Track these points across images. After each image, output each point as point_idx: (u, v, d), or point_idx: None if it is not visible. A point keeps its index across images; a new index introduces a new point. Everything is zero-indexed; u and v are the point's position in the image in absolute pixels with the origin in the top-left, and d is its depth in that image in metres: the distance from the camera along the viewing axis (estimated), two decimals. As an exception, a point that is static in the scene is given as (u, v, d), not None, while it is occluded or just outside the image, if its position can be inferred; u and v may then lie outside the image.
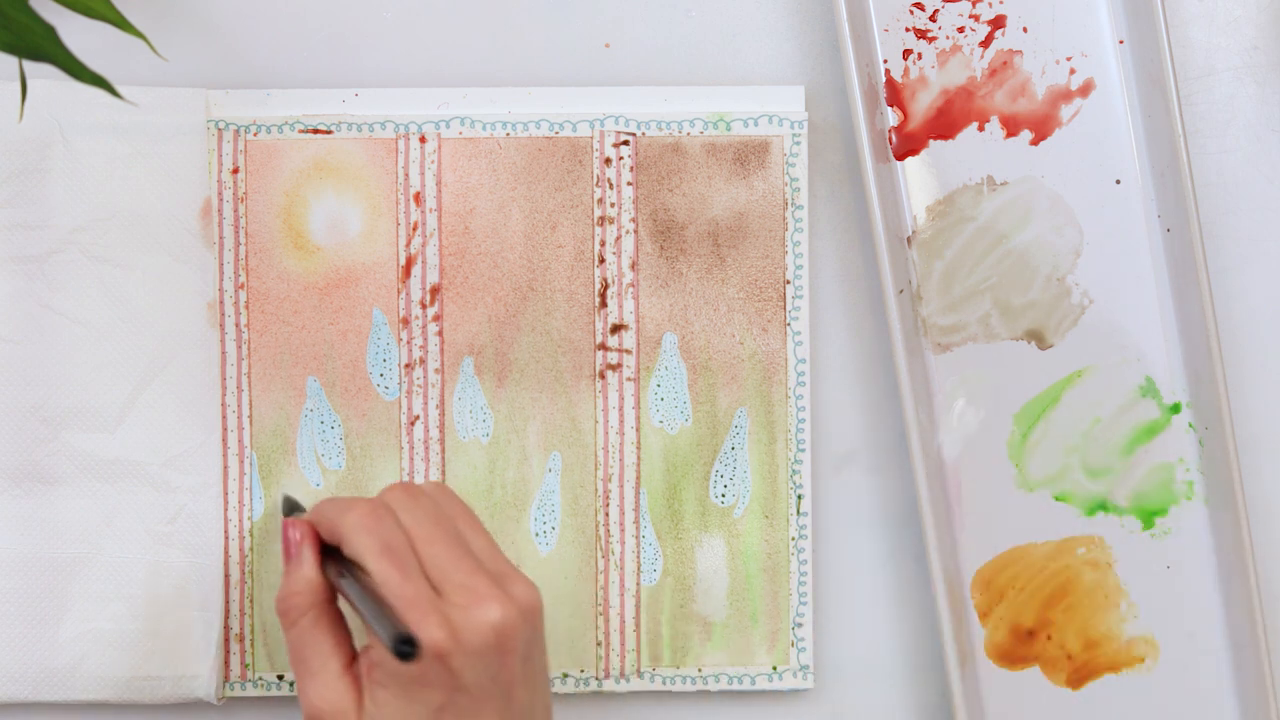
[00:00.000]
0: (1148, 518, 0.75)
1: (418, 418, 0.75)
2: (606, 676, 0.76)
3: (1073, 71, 0.75)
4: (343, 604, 0.67)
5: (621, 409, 0.75)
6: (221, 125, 0.74)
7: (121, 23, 0.68)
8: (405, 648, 0.59)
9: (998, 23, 0.75)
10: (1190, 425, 0.75)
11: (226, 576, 0.75)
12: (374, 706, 0.63)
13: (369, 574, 0.63)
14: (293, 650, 0.65)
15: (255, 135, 0.74)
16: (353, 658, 0.65)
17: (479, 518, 0.67)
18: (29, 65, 0.70)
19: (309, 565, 0.66)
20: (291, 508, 0.72)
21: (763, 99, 0.75)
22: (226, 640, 0.75)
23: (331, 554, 0.66)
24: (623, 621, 0.75)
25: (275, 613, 0.67)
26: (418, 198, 0.75)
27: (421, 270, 0.75)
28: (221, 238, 0.75)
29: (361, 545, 0.63)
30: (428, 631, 0.61)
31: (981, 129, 0.75)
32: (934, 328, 0.75)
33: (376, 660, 0.63)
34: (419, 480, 0.75)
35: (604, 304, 0.75)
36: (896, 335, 0.73)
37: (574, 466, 0.75)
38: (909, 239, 0.75)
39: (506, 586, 0.63)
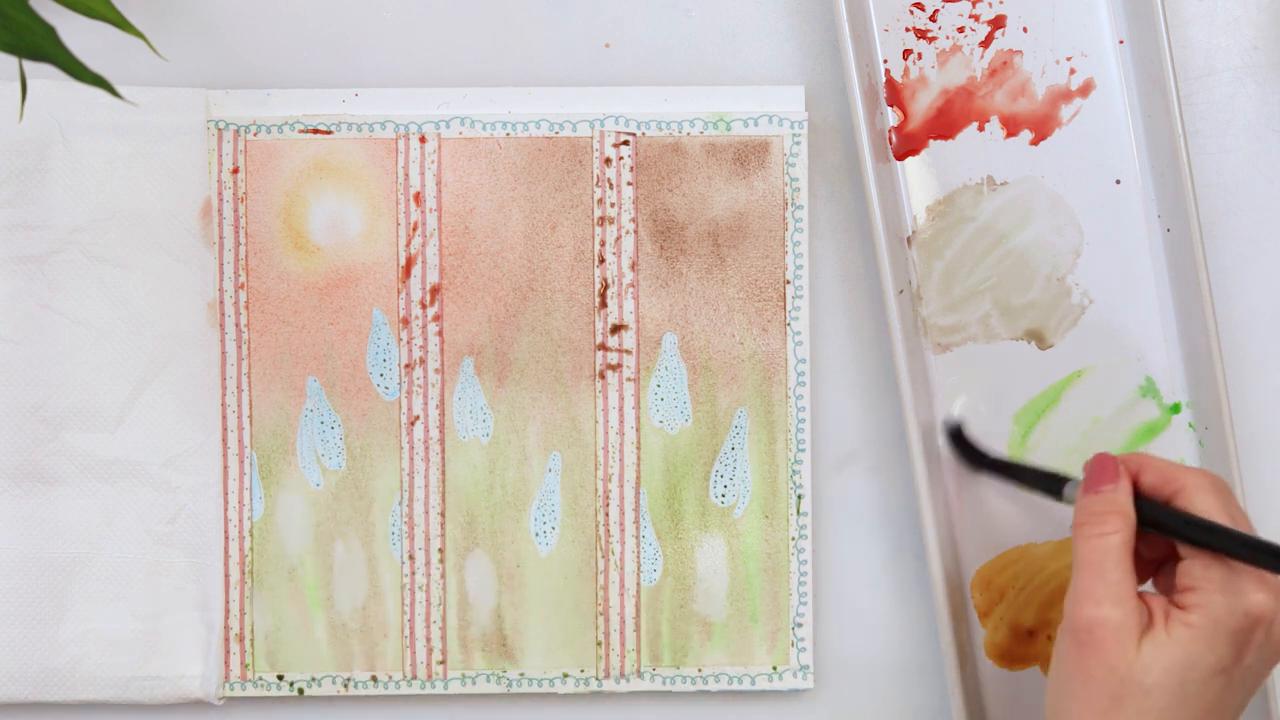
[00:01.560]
0: (1148, 518, 0.75)
1: (418, 418, 0.75)
2: (606, 676, 0.76)
3: (1073, 71, 0.75)
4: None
5: (621, 409, 0.75)
6: (221, 125, 0.74)
7: (121, 23, 0.68)
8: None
9: (998, 23, 0.75)
10: (1190, 425, 0.75)
11: (226, 576, 0.75)
12: (1167, 637, 0.63)
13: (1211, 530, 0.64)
14: (1089, 558, 0.65)
15: (255, 135, 0.74)
16: (1137, 589, 0.65)
17: None
18: (29, 65, 0.70)
19: (1125, 494, 0.66)
20: (957, 436, 0.74)
21: (763, 99, 0.75)
22: (226, 640, 0.75)
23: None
24: (623, 621, 0.75)
25: (1076, 519, 0.66)
26: (418, 198, 0.75)
27: (421, 270, 0.75)
28: (221, 238, 0.75)
29: (1208, 503, 0.64)
30: (1263, 595, 0.62)
31: (981, 129, 0.75)
32: (934, 328, 0.75)
33: (1198, 603, 0.63)
34: (419, 481, 0.75)
35: (604, 304, 0.75)
36: (896, 335, 0.73)
37: (574, 466, 0.75)
38: (909, 239, 0.75)
39: None
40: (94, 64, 0.66)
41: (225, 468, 0.75)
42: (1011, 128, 0.75)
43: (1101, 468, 0.67)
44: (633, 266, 0.75)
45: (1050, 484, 0.70)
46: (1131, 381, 0.75)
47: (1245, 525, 0.65)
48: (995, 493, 0.75)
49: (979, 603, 0.75)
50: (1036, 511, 0.75)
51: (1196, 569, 0.63)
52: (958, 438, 0.75)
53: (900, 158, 0.75)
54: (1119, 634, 0.63)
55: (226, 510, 0.75)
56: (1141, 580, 0.67)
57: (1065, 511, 0.75)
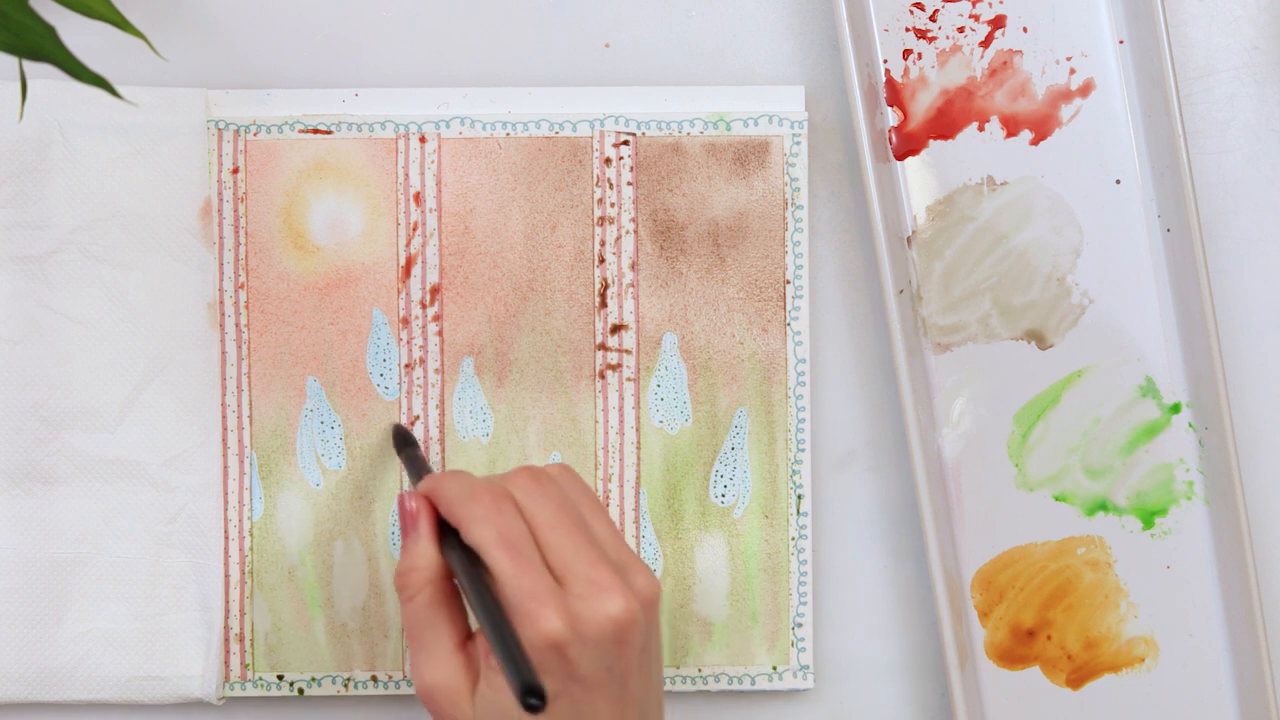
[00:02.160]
0: (1148, 518, 0.75)
1: (418, 418, 0.75)
2: (606, 676, 0.76)
3: (1073, 71, 0.75)
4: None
5: (621, 409, 0.75)
6: (221, 125, 0.74)
7: (121, 23, 0.68)
8: (532, 700, 0.58)
9: (998, 23, 0.75)
10: (1190, 425, 0.75)
11: (226, 576, 0.75)
12: (488, 689, 0.63)
13: (486, 565, 0.63)
14: (408, 625, 0.65)
15: (255, 135, 0.74)
16: (467, 635, 0.65)
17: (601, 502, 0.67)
18: (29, 65, 0.70)
19: (426, 541, 0.65)
20: (404, 441, 0.72)
21: (763, 99, 0.75)
22: (226, 640, 0.75)
23: (450, 532, 0.66)
24: (623, 621, 0.75)
25: (394, 586, 0.66)
26: (418, 198, 0.75)
27: (421, 270, 0.75)
28: (221, 238, 0.75)
29: (481, 535, 0.63)
30: (546, 623, 0.61)
31: (981, 129, 0.75)
32: (934, 328, 0.75)
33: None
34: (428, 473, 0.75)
35: (604, 304, 0.75)
36: (896, 335, 0.73)
37: (574, 466, 0.75)
38: (909, 239, 0.75)
39: (629, 577, 0.63)
40: (94, 64, 0.66)
41: (225, 468, 0.75)
42: (1011, 128, 0.75)
43: (401, 517, 0.66)
44: (633, 266, 0.75)
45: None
46: (1131, 381, 0.75)
47: (523, 541, 0.63)
48: (995, 491, 0.75)
49: (979, 603, 0.75)
50: (1036, 511, 0.75)
51: None
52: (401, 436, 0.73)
53: (900, 158, 0.75)
54: (451, 697, 0.63)
55: (226, 510, 0.75)
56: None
57: (1065, 511, 0.75)
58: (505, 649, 0.60)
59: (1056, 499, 0.75)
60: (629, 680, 0.63)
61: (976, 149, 0.75)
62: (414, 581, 0.65)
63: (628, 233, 0.75)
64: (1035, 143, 0.75)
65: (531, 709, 0.58)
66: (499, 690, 0.63)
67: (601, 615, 0.61)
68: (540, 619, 0.61)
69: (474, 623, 0.66)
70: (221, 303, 0.75)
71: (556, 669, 0.61)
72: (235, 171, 0.75)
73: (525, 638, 0.61)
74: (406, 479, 0.75)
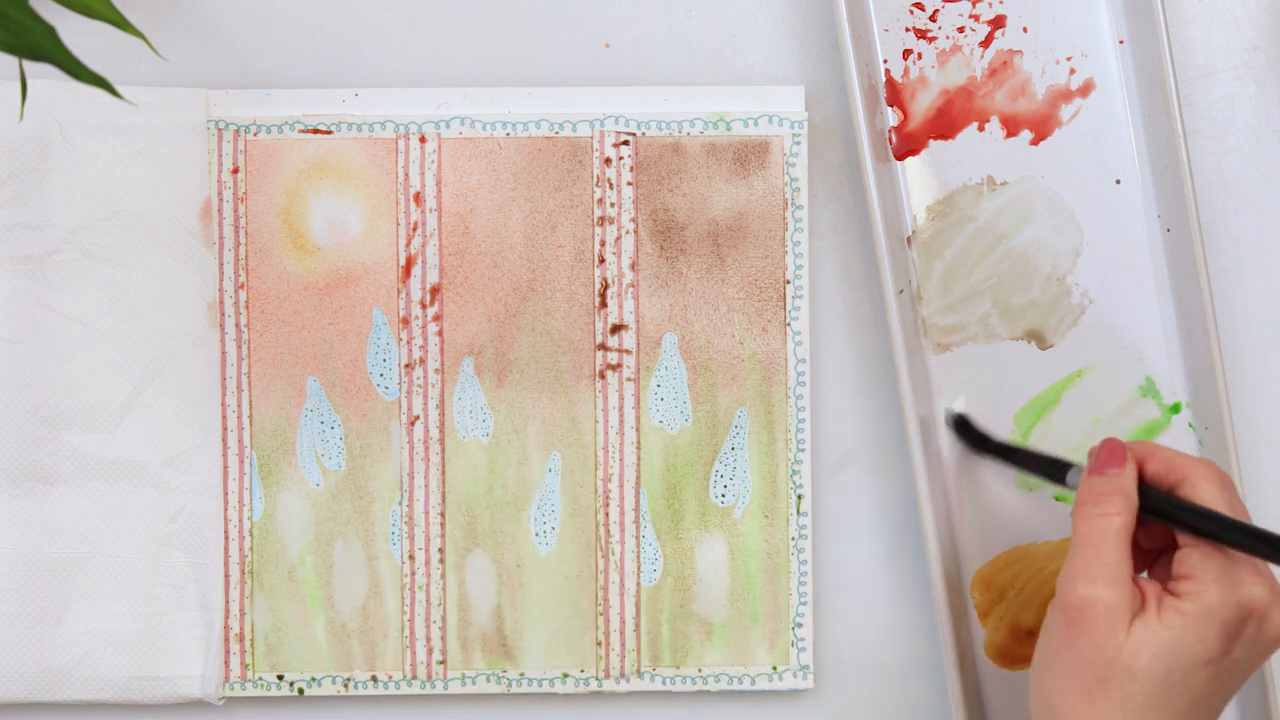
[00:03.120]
0: (1148, 518, 0.75)
1: (418, 418, 0.75)
2: (606, 676, 0.76)
3: (1073, 71, 0.75)
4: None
5: (621, 409, 0.75)
6: (221, 125, 0.74)
7: (121, 23, 0.68)
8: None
9: (998, 23, 0.75)
10: (1190, 425, 0.75)
11: (226, 576, 0.75)
12: (1158, 621, 0.63)
13: (1191, 526, 0.64)
14: (1090, 537, 0.64)
15: (255, 135, 0.75)
16: (1134, 572, 0.65)
17: None
18: (29, 65, 0.70)
19: (1131, 480, 0.66)
20: (961, 425, 0.74)
21: (763, 99, 0.75)
22: (226, 640, 0.75)
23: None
24: (623, 621, 0.75)
25: (1079, 499, 0.66)
26: (418, 198, 0.75)
27: (421, 270, 0.75)
28: (221, 238, 0.75)
29: (1212, 494, 0.64)
30: (1258, 588, 0.62)
31: (981, 129, 0.75)
32: (934, 328, 0.75)
33: (1193, 590, 0.63)
34: (419, 481, 0.75)
35: (604, 304, 0.75)
36: (896, 335, 0.73)
37: (574, 466, 0.75)
38: (909, 239, 0.75)
39: None
40: (94, 64, 0.66)
41: (225, 468, 0.75)
42: (1011, 128, 0.75)
43: (1109, 452, 0.66)
44: (633, 266, 0.75)
45: (1054, 469, 0.70)
46: (1131, 381, 0.75)
47: (1246, 519, 0.65)
48: (995, 491, 0.75)
49: (979, 603, 0.75)
50: (1036, 511, 0.75)
51: (1194, 558, 0.63)
52: (962, 425, 0.75)
53: (900, 158, 0.75)
54: (1110, 614, 0.63)
55: (226, 510, 0.75)
56: (1138, 570, 0.67)
57: (1065, 510, 0.75)
58: (1244, 532, 0.63)
59: (1056, 499, 0.75)
60: (1245, 678, 0.65)
61: (976, 149, 0.75)
62: (1117, 501, 0.65)
63: (628, 233, 0.75)
64: (1035, 143, 0.75)
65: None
66: (1167, 627, 0.63)
67: None
68: (1255, 584, 0.62)
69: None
70: (221, 303, 0.75)
71: (1240, 635, 0.63)
72: (235, 171, 0.75)
73: (1231, 591, 0.62)
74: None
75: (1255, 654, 0.64)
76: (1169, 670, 0.62)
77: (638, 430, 0.75)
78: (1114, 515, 0.64)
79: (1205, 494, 0.64)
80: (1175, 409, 0.75)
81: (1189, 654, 0.62)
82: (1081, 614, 0.63)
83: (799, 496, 0.75)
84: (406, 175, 0.75)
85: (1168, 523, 0.65)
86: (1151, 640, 0.62)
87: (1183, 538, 0.64)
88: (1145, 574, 0.68)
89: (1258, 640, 0.63)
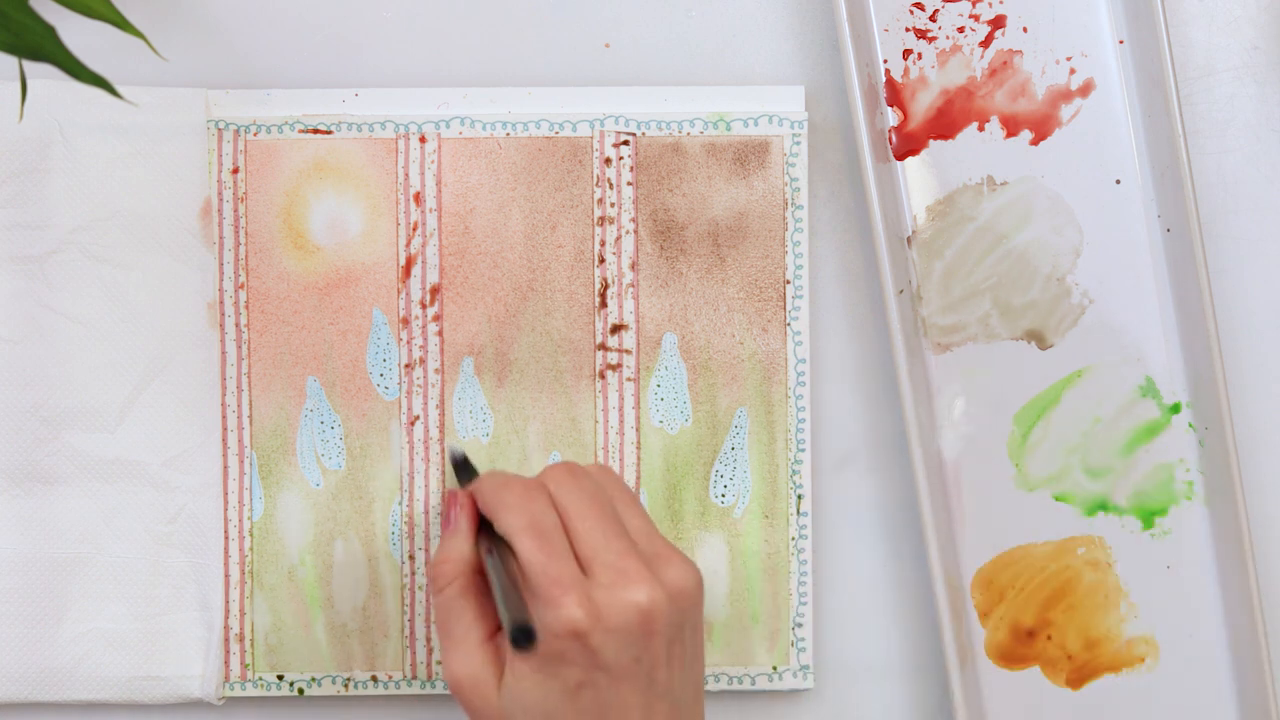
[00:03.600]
0: (1148, 518, 0.75)
1: (418, 418, 0.75)
2: (606, 676, 0.76)
3: (1073, 71, 0.75)
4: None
5: (621, 409, 0.75)
6: (221, 125, 0.74)
7: (121, 23, 0.68)
8: (521, 637, 0.60)
9: (998, 23, 0.75)
10: (1190, 425, 0.75)
11: (226, 576, 0.75)
12: (513, 679, 0.63)
13: (515, 552, 0.64)
14: (438, 617, 0.66)
15: (255, 135, 0.74)
16: (496, 629, 0.66)
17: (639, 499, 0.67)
18: (29, 65, 0.70)
19: (462, 536, 0.66)
20: (461, 465, 0.72)
21: (763, 99, 0.75)
22: (226, 640, 0.75)
23: (487, 527, 0.67)
24: (623, 621, 0.75)
25: (426, 578, 0.67)
26: (418, 198, 0.75)
27: (421, 270, 0.75)
28: (221, 238, 0.75)
29: (510, 523, 0.64)
30: (566, 610, 0.62)
31: (981, 129, 0.75)
32: (934, 328, 0.75)
33: None
34: (419, 481, 0.75)
35: (604, 304, 0.75)
36: (896, 335, 0.73)
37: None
38: (909, 239, 0.75)
39: (658, 568, 0.64)
40: (94, 64, 0.66)
41: (225, 468, 0.75)
42: (1011, 128, 0.75)
43: (444, 513, 0.68)
44: (633, 266, 0.75)
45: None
46: (1131, 381, 0.75)
47: (552, 529, 0.64)
48: (995, 491, 0.75)
49: (979, 603, 0.75)
50: (1036, 511, 0.75)
51: None
52: (462, 466, 0.74)
53: (900, 158, 0.75)
54: (478, 689, 0.64)
55: (226, 510, 0.75)
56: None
57: (1065, 510, 0.75)
58: (503, 598, 0.61)
59: (1056, 499, 0.75)
60: (657, 671, 0.63)
61: (976, 149, 0.75)
62: (445, 572, 0.66)
63: (628, 233, 0.75)
64: (1035, 143, 0.75)
65: (518, 645, 0.60)
66: (522, 679, 0.63)
67: (625, 603, 0.62)
68: (562, 605, 0.62)
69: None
70: (221, 303, 0.75)
71: (580, 657, 0.62)
72: (235, 171, 0.75)
73: (546, 624, 0.62)
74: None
75: (619, 646, 0.62)
76: (546, 714, 0.63)
77: (638, 430, 0.75)
78: (445, 587, 0.66)
79: (506, 525, 0.64)
80: (1175, 409, 0.75)
81: (552, 693, 0.63)
82: (460, 693, 0.65)
83: (799, 496, 0.75)
84: (406, 175, 0.75)
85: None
86: (517, 698, 0.63)
87: None
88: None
89: (606, 649, 0.62)
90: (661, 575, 0.64)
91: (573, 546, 0.64)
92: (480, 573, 0.66)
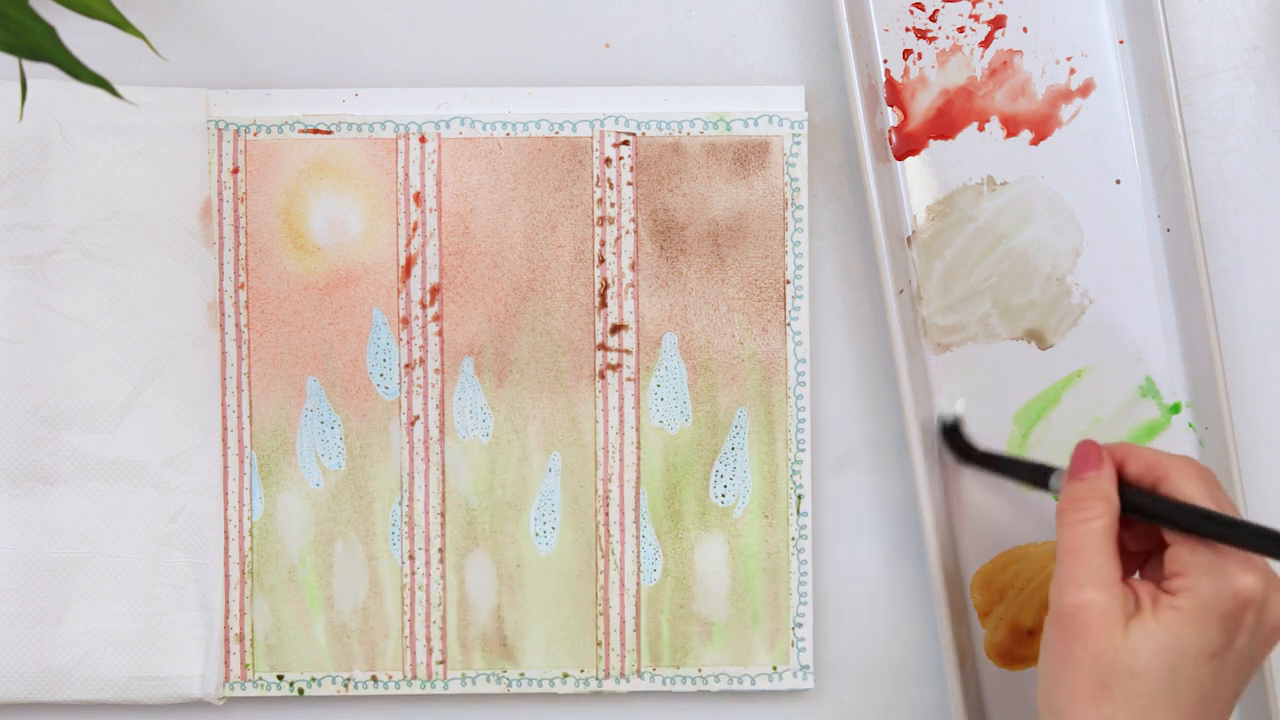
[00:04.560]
0: (1148, 518, 0.75)
1: (418, 418, 0.75)
2: (606, 676, 0.76)
3: (1073, 71, 0.75)
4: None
5: (621, 409, 0.75)
6: (221, 125, 0.74)
7: (121, 23, 0.68)
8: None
9: (998, 23, 0.75)
10: (1190, 425, 0.75)
11: (226, 576, 0.75)
12: (1154, 620, 0.62)
13: (1176, 521, 0.64)
14: (1074, 544, 0.64)
15: (255, 135, 0.75)
16: (1124, 575, 0.65)
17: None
18: (29, 65, 0.71)
19: (1108, 481, 0.66)
20: (953, 428, 0.74)
21: (763, 99, 0.75)
22: (226, 640, 0.75)
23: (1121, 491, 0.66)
24: (623, 621, 0.75)
25: (1060, 506, 0.66)
26: (418, 198, 0.75)
27: (421, 270, 0.75)
28: (221, 238, 0.75)
29: (1194, 489, 0.64)
30: (1252, 577, 0.62)
31: (981, 129, 0.75)
32: (934, 328, 0.75)
33: (1186, 587, 0.63)
34: (419, 481, 0.75)
35: (604, 304, 0.75)
36: (896, 335, 0.73)
37: (574, 466, 0.75)
38: (909, 239, 0.75)
39: None
40: (94, 64, 0.66)
41: (225, 468, 0.75)
42: (1011, 128, 0.75)
43: (1085, 455, 0.66)
44: (633, 266, 0.75)
45: (1037, 475, 0.70)
46: (1131, 381, 0.75)
47: (1231, 510, 0.64)
48: (995, 491, 0.75)
49: (979, 603, 0.75)
50: (1036, 511, 0.75)
51: (1183, 554, 0.63)
52: (952, 432, 0.75)
53: (900, 158, 0.75)
54: (1104, 618, 0.62)
55: (226, 510, 0.75)
56: (1129, 573, 0.67)
57: (1065, 511, 0.76)
58: (1228, 525, 0.62)
59: (1057, 499, 0.75)
60: (1254, 670, 0.64)
61: (976, 149, 0.75)
62: (1097, 505, 0.65)
63: (628, 233, 0.75)
64: (1035, 143, 0.75)
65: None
66: (1166, 625, 0.62)
67: None
68: (1250, 572, 0.62)
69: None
70: (221, 303, 0.75)
71: (1239, 626, 0.62)
72: (235, 171, 0.75)
73: (1229, 580, 0.62)
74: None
75: (1259, 642, 0.63)
76: (1172, 668, 0.62)
77: (638, 430, 0.75)
78: (1094, 519, 0.64)
79: (1187, 489, 0.64)
80: (1175, 409, 0.75)
81: (1191, 649, 0.62)
82: (1074, 620, 0.63)
83: (799, 496, 0.75)
84: (406, 175, 0.75)
85: (1152, 521, 0.64)
86: (1150, 639, 0.62)
87: (1169, 535, 0.64)
88: (1137, 576, 0.68)
89: (1259, 629, 0.63)
90: None
91: None
92: (1118, 525, 0.65)
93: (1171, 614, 0.62)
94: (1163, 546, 0.65)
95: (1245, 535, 0.62)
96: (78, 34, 0.71)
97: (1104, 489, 0.65)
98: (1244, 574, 0.62)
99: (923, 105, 0.75)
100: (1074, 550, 0.64)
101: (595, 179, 0.75)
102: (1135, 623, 0.62)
